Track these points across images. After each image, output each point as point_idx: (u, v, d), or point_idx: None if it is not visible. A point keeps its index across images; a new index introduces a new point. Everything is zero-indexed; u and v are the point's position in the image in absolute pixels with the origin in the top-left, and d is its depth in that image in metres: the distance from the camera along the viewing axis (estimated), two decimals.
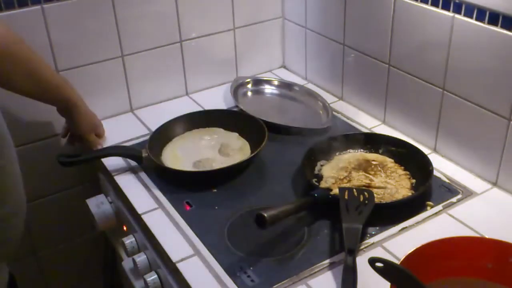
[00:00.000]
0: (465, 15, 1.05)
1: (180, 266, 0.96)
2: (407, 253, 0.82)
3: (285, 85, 1.53)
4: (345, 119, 1.39)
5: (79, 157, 1.22)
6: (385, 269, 0.74)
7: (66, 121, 1.28)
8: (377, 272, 0.75)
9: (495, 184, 1.11)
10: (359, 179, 1.13)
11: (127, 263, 1.17)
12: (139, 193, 1.15)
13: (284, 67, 1.67)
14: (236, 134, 1.31)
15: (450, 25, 1.09)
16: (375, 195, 1.04)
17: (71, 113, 1.22)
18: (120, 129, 1.37)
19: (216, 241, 1.01)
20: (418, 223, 1.03)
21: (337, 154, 1.22)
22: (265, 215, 0.93)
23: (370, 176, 1.14)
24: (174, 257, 0.97)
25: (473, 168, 1.15)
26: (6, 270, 0.98)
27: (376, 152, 1.21)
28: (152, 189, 1.15)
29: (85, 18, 1.30)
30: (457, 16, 1.07)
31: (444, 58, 1.12)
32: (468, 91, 1.10)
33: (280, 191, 1.14)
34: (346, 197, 1.01)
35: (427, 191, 1.09)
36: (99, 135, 1.30)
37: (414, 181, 1.12)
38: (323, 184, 1.12)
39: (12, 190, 0.94)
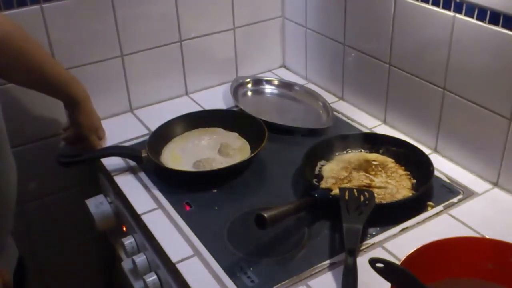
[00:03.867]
0: (466, 14, 1.05)
1: (179, 266, 0.95)
2: (408, 254, 0.82)
3: (285, 85, 1.53)
4: (345, 119, 1.38)
5: (78, 157, 1.22)
6: (386, 269, 0.74)
7: (68, 116, 1.28)
8: (378, 273, 0.75)
9: (496, 184, 1.11)
10: (359, 179, 1.12)
11: (126, 264, 1.17)
12: (138, 193, 1.14)
13: (284, 67, 1.67)
14: (236, 134, 1.31)
15: (450, 25, 1.09)
16: (375, 195, 1.03)
17: (73, 110, 1.24)
18: (119, 129, 1.37)
19: (216, 241, 1.00)
20: (418, 223, 1.02)
21: (337, 154, 1.22)
22: (265, 215, 0.93)
23: (371, 176, 1.13)
24: (173, 257, 0.97)
25: (474, 168, 1.15)
26: (14, 253, 0.97)
27: (377, 152, 1.21)
28: (151, 189, 1.15)
29: (84, 18, 1.29)
30: (458, 15, 1.07)
31: (445, 57, 1.12)
32: (469, 91, 1.10)
33: (280, 191, 1.14)
34: (346, 197, 1.01)
35: (427, 191, 1.09)
36: (99, 137, 1.30)
37: (414, 181, 1.12)
38: (323, 184, 1.12)
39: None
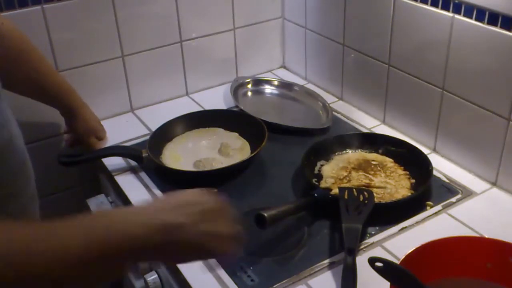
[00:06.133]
0: (464, 15, 1.06)
1: (180, 265, 0.95)
2: (407, 253, 0.82)
3: (285, 85, 1.53)
4: (345, 119, 1.39)
5: (79, 157, 1.22)
6: (385, 268, 0.75)
7: (65, 122, 1.29)
8: (377, 272, 0.75)
9: (494, 184, 1.12)
10: (358, 179, 1.13)
11: None
12: (139, 193, 1.15)
13: (284, 67, 1.67)
14: (236, 134, 1.31)
15: (449, 25, 1.09)
16: (374, 195, 1.04)
17: (69, 118, 1.27)
18: (120, 129, 1.37)
19: None
20: (417, 223, 1.03)
21: (336, 154, 1.22)
22: (265, 215, 0.93)
23: (370, 176, 1.14)
24: None
25: (472, 168, 1.15)
26: None
27: (376, 152, 1.22)
28: (152, 189, 1.15)
29: (85, 18, 1.30)
30: (456, 16, 1.07)
31: (444, 58, 1.12)
32: (468, 91, 1.10)
33: (280, 191, 1.14)
34: (346, 197, 1.01)
35: (426, 191, 1.09)
36: (99, 138, 1.31)
37: (413, 181, 1.12)
38: (323, 184, 1.12)
39: None
